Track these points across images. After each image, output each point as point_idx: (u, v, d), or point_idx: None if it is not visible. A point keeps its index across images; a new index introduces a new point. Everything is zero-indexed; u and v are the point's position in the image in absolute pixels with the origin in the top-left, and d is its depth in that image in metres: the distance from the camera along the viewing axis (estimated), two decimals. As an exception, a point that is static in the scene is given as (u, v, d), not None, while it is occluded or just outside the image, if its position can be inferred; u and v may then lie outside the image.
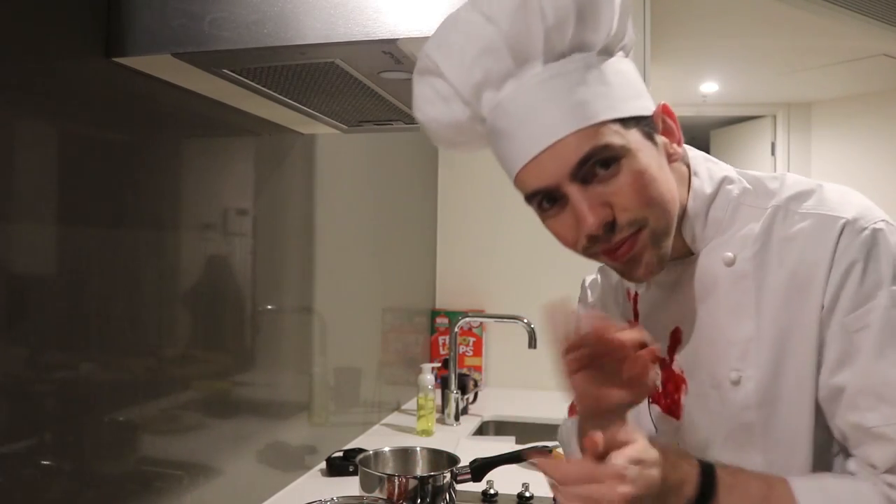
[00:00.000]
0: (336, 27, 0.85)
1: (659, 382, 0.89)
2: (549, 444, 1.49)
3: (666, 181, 0.77)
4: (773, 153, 5.07)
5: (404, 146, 2.33)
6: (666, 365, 0.88)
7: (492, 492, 1.41)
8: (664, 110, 0.79)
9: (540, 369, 2.59)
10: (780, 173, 0.84)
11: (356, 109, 1.21)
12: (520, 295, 2.61)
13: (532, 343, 2.06)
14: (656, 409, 0.91)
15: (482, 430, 2.18)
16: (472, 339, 2.59)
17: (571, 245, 0.79)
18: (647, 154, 0.75)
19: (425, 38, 0.83)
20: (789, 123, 5.06)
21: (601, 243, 0.76)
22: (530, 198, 0.78)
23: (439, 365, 2.21)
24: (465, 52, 0.73)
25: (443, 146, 0.86)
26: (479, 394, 2.36)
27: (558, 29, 0.72)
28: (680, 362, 0.86)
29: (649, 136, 0.76)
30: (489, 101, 0.76)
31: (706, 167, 0.84)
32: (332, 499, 1.10)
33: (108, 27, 0.91)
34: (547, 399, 2.43)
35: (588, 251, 0.79)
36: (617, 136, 0.73)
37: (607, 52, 0.75)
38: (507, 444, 1.86)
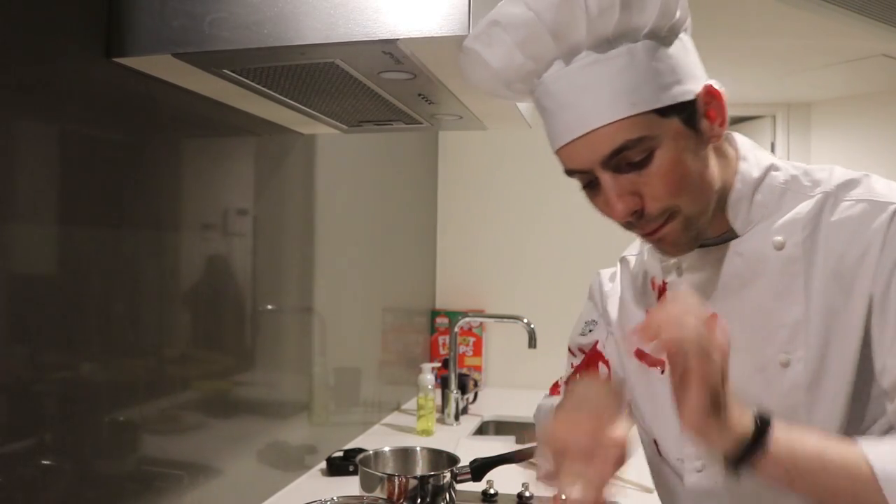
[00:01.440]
0: (336, 27, 0.85)
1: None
2: (549, 443, 1.49)
3: (701, 167, 0.77)
4: (772, 153, 5.07)
5: (404, 146, 2.33)
6: None
7: (492, 492, 1.41)
8: (709, 91, 0.78)
9: (540, 369, 2.59)
10: (828, 165, 0.84)
11: (356, 109, 1.21)
12: (520, 295, 2.61)
13: (532, 343, 2.06)
14: None
15: (482, 430, 2.18)
16: (472, 339, 2.59)
17: (609, 217, 0.81)
18: (683, 143, 0.75)
19: (425, 38, 0.83)
20: (789, 123, 5.06)
21: (634, 226, 0.79)
22: (569, 173, 0.80)
23: (439, 365, 2.21)
24: (508, 41, 0.75)
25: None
26: (479, 394, 2.36)
27: (602, 17, 0.71)
28: None
29: (689, 123, 0.76)
30: (535, 82, 0.78)
31: (754, 154, 0.84)
32: (332, 499, 1.10)
33: (108, 27, 0.91)
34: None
35: (625, 227, 0.81)
36: (653, 127, 0.73)
37: (655, 36, 0.74)
38: (507, 444, 1.86)
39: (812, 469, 0.72)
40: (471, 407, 2.27)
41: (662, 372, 0.91)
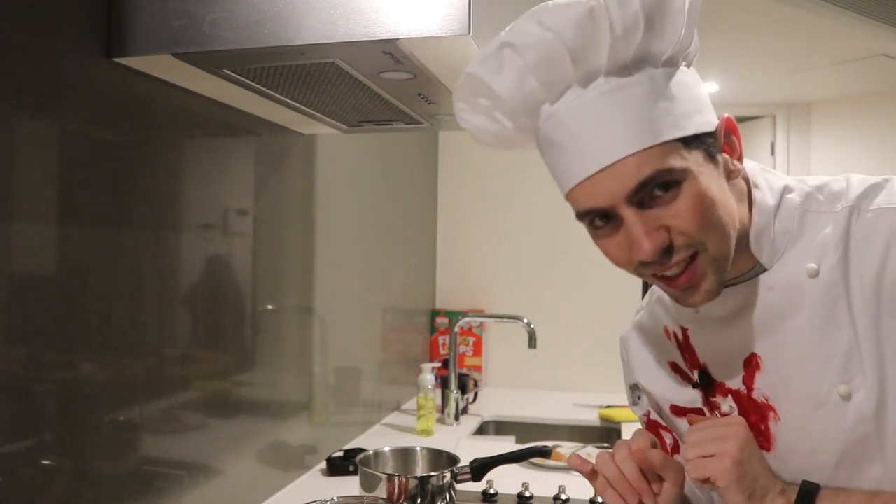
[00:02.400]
0: (336, 27, 0.85)
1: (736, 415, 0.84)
2: (549, 444, 1.49)
3: (726, 203, 0.73)
4: (772, 153, 5.07)
5: (404, 146, 2.33)
6: (742, 396, 0.82)
7: (492, 492, 1.41)
8: (728, 125, 0.75)
9: (540, 369, 2.60)
10: (843, 175, 0.80)
11: (356, 109, 1.21)
12: (520, 295, 2.61)
13: (532, 343, 2.06)
14: None
15: (482, 430, 2.18)
16: (472, 339, 2.59)
17: (622, 266, 0.75)
18: (708, 176, 0.71)
19: (425, 38, 0.83)
20: (789, 123, 5.06)
21: (654, 266, 0.73)
22: (582, 215, 0.75)
23: (439, 365, 2.21)
24: (520, 64, 0.70)
25: (487, 148, 0.83)
26: (479, 394, 2.36)
27: (625, 39, 0.68)
28: (763, 389, 0.79)
29: (711, 156, 0.72)
30: (544, 112, 0.73)
31: (764, 178, 0.80)
32: (332, 499, 1.10)
33: (108, 27, 0.91)
34: (547, 399, 2.44)
35: (639, 272, 0.75)
36: (679, 159, 0.69)
37: (672, 64, 0.71)
38: (507, 444, 1.86)
39: None
40: (471, 407, 2.27)
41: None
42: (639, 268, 0.74)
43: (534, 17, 0.68)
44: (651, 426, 0.96)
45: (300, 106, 1.19)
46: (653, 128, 0.68)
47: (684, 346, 0.88)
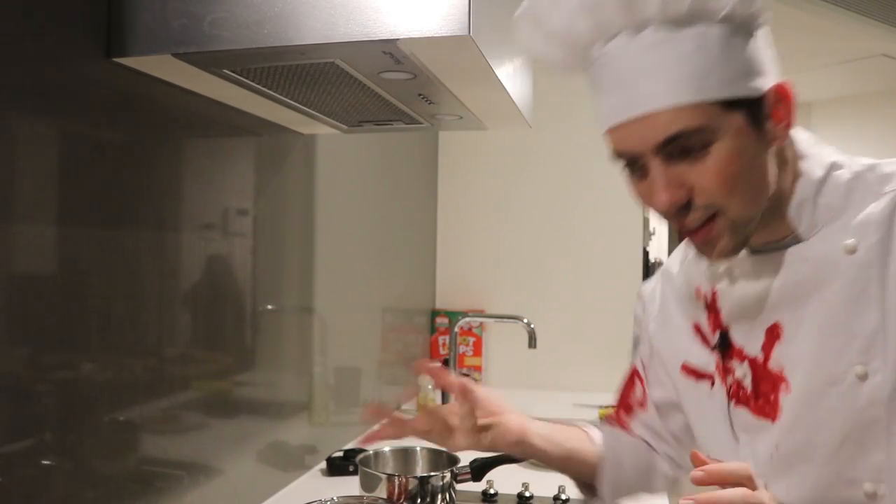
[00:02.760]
0: (336, 27, 0.85)
1: (748, 382, 0.83)
2: (549, 444, 1.49)
3: (758, 169, 0.73)
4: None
5: (404, 146, 2.33)
6: (758, 364, 0.81)
7: (492, 492, 1.41)
8: (779, 90, 0.73)
9: (540, 369, 2.60)
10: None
11: (356, 109, 1.21)
12: (520, 295, 2.61)
13: (532, 343, 2.06)
14: (742, 411, 0.84)
15: (482, 430, 2.18)
16: (472, 339, 2.59)
17: (651, 209, 0.77)
18: (744, 141, 0.71)
19: (425, 38, 0.83)
20: (789, 123, 5.06)
21: (676, 219, 0.74)
22: (615, 156, 0.76)
23: (439, 365, 2.20)
24: (574, 4, 0.71)
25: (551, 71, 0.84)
26: (479, 394, 2.36)
27: None
28: (779, 359, 0.79)
29: (753, 121, 0.71)
30: (595, 51, 0.73)
31: (815, 150, 0.79)
32: (332, 499, 1.10)
33: (108, 27, 0.91)
34: (547, 399, 2.44)
35: (666, 220, 0.77)
36: (714, 119, 0.69)
37: (730, 21, 0.69)
38: (507, 444, 1.86)
39: None
40: (471, 407, 2.26)
41: (712, 386, 0.88)
42: (664, 216, 0.76)
43: None
44: (631, 376, 1.02)
45: (300, 106, 1.19)
46: (694, 85, 0.68)
47: (711, 306, 0.87)
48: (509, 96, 1.07)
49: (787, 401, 0.78)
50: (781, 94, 0.73)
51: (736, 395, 0.84)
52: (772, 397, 0.80)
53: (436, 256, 2.73)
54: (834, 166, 0.78)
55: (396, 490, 1.20)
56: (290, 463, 1.52)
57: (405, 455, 1.36)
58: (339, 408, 1.80)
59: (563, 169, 2.57)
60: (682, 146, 0.70)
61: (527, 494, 1.40)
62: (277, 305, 1.45)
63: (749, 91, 0.71)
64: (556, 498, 1.40)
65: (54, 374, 0.86)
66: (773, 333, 0.80)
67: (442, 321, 2.62)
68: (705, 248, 0.77)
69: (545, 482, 1.48)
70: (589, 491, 1.05)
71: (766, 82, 0.72)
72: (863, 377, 0.73)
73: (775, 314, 0.79)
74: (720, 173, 0.70)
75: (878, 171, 0.77)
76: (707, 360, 0.89)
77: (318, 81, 1.03)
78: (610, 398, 2.28)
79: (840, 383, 0.75)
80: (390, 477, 1.22)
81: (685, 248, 0.95)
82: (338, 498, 1.11)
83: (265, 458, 1.40)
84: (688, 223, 0.74)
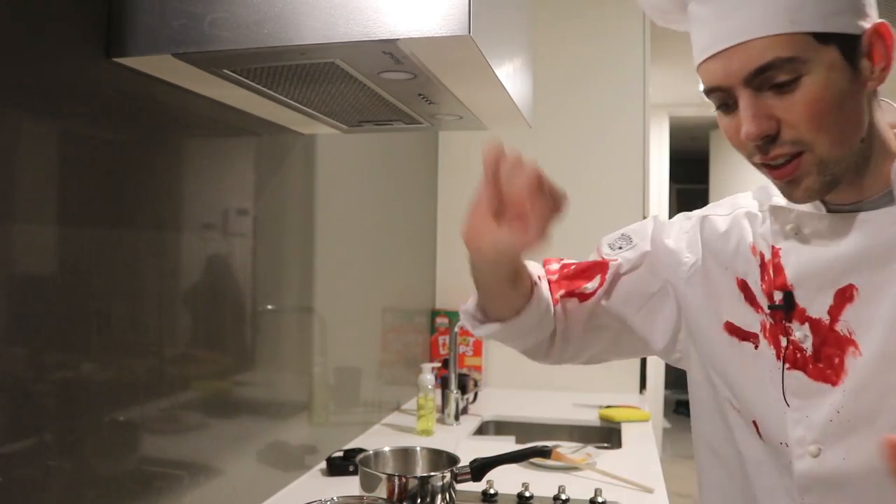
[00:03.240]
0: (336, 27, 0.85)
1: (809, 345, 0.80)
2: (549, 444, 1.49)
3: (852, 109, 0.72)
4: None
5: (404, 146, 2.33)
6: (823, 326, 0.79)
7: (492, 492, 1.41)
8: (879, 30, 0.72)
9: (540, 369, 2.59)
10: None
11: (356, 109, 1.21)
12: (520, 295, 2.61)
13: (532, 343, 2.05)
14: (798, 375, 0.81)
15: (482, 430, 2.18)
16: (471, 339, 2.59)
17: (737, 147, 0.76)
18: (837, 77, 0.70)
19: (425, 38, 0.83)
20: (789, 123, 5.05)
21: (760, 154, 0.74)
22: (707, 92, 0.76)
23: (439, 365, 2.21)
24: None
25: (656, 18, 0.86)
26: (479, 394, 2.36)
27: None
28: (849, 323, 0.76)
29: (848, 58, 0.70)
30: None
31: None
32: (332, 499, 1.10)
33: (108, 27, 0.91)
34: (547, 399, 2.44)
35: (751, 159, 0.76)
36: (807, 50, 0.69)
37: None
38: (507, 444, 1.86)
39: None
40: (471, 407, 2.27)
41: (756, 347, 0.85)
42: (749, 152, 0.75)
43: None
44: (596, 266, 0.99)
45: (300, 106, 1.19)
46: (789, 16, 0.68)
47: (769, 265, 0.84)
48: (509, 96, 1.07)
49: (856, 364, 0.76)
50: (881, 34, 0.72)
51: (793, 357, 0.81)
52: (836, 360, 0.77)
53: (436, 256, 2.73)
54: None
55: (396, 490, 1.20)
56: (290, 463, 1.52)
57: (405, 455, 1.36)
58: (339, 408, 1.80)
59: (563, 169, 2.56)
60: (772, 77, 0.70)
61: (527, 494, 1.40)
62: (277, 305, 1.45)
63: (844, 27, 0.70)
64: (556, 498, 1.41)
65: (54, 374, 0.86)
66: (844, 295, 0.77)
67: (442, 321, 2.62)
68: (790, 187, 0.75)
69: (545, 482, 1.48)
70: (481, 313, 0.96)
71: (865, 21, 0.71)
72: None
73: (851, 276, 0.76)
74: (809, 106, 0.70)
75: None
76: (752, 319, 0.86)
77: (318, 81, 1.03)
78: (610, 398, 2.29)
79: None
80: (390, 477, 1.22)
81: (732, 204, 0.93)
82: (338, 498, 1.11)
83: (265, 458, 1.40)
84: (772, 157, 0.73)
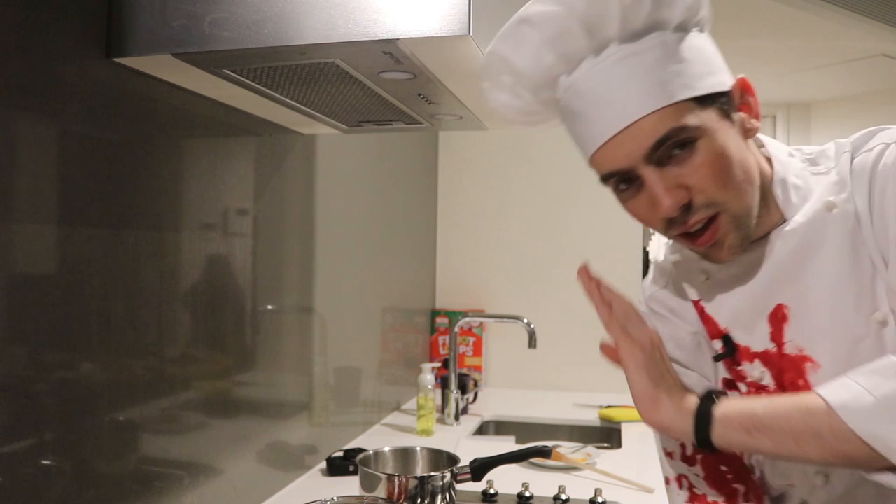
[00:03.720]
0: (336, 27, 0.85)
1: (769, 379, 0.82)
2: (549, 444, 1.49)
3: (744, 160, 0.75)
4: (772, 153, 5.07)
5: (404, 146, 2.33)
6: (772, 356, 0.81)
7: (492, 492, 1.41)
8: (742, 85, 0.77)
9: (540, 369, 2.60)
10: (830, 142, 0.83)
11: (356, 109, 1.21)
12: (520, 295, 2.61)
13: (532, 343, 2.06)
14: None
15: (482, 430, 2.18)
16: (472, 339, 2.59)
17: (651, 226, 0.78)
18: (724, 133, 0.74)
19: (425, 38, 0.83)
20: (789, 123, 5.06)
21: (678, 226, 0.75)
22: (606, 178, 0.77)
23: (439, 365, 2.21)
24: (537, 40, 0.73)
25: (515, 127, 0.87)
26: (479, 394, 2.36)
27: (634, 8, 0.71)
28: (795, 341, 0.79)
29: (726, 114, 0.75)
30: (562, 84, 0.76)
31: (771, 142, 0.84)
32: (332, 499, 1.10)
33: (108, 27, 0.91)
34: (547, 399, 2.44)
35: (667, 233, 0.78)
36: (693, 117, 0.72)
37: (683, 29, 0.74)
38: (507, 444, 1.86)
39: (769, 420, 0.71)
40: (471, 407, 2.27)
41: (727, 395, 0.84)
42: (665, 227, 0.77)
43: None
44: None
45: (300, 106, 1.19)
46: (666, 89, 0.71)
47: (703, 316, 0.87)
48: (509, 96, 1.07)
49: (820, 377, 0.77)
50: (745, 88, 0.77)
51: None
52: (800, 382, 0.79)
53: (436, 256, 2.73)
54: (790, 153, 0.83)
55: (396, 490, 1.20)
56: (290, 463, 1.52)
57: (405, 455, 1.36)
58: (339, 408, 1.80)
59: (563, 168, 2.57)
60: (670, 148, 0.72)
61: (527, 494, 1.40)
62: (277, 305, 1.45)
63: (716, 86, 0.74)
64: (556, 498, 1.41)
65: (54, 374, 0.86)
66: (777, 317, 0.80)
67: (442, 321, 2.62)
68: (713, 250, 0.77)
69: (545, 482, 1.48)
70: None
71: (728, 78, 0.77)
72: (883, 322, 0.74)
73: (775, 297, 0.79)
74: (711, 167, 0.72)
75: (824, 154, 0.82)
76: (711, 370, 0.88)
77: (318, 81, 1.03)
78: (610, 398, 2.29)
79: (867, 337, 0.75)
80: (390, 477, 1.22)
81: (659, 272, 0.94)
82: (338, 498, 1.11)
83: (265, 458, 1.40)
84: (691, 225, 0.75)
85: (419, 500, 1.20)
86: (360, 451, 1.47)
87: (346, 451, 1.61)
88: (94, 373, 0.93)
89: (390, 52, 0.88)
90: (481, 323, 2.59)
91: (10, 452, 0.80)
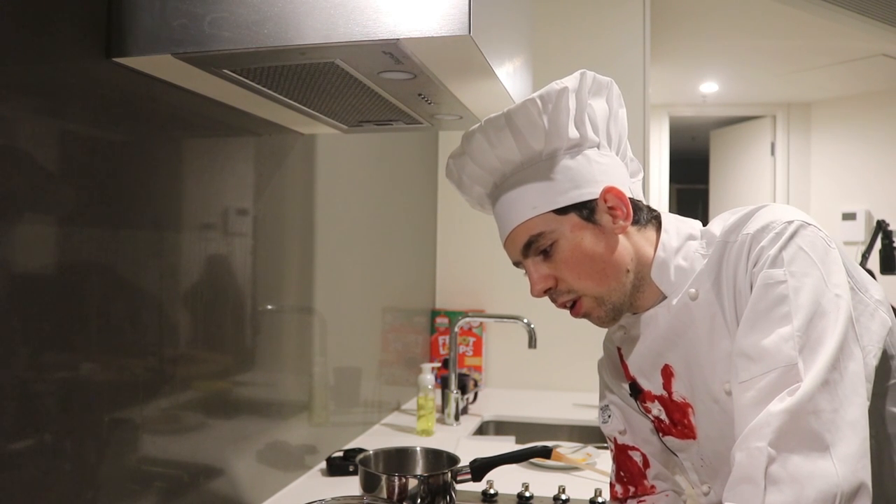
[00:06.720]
0: (336, 27, 0.85)
1: (664, 416, 1.02)
2: (549, 444, 1.49)
3: (605, 253, 0.94)
4: (772, 153, 5.07)
5: (404, 146, 2.33)
6: (666, 399, 1.01)
7: (492, 492, 1.41)
8: (608, 191, 0.93)
9: (540, 369, 2.60)
10: (729, 212, 0.96)
11: (356, 109, 1.21)
12: (520, 295, 2.60)
13: (532, 343, 2.06)
14: (669, 439, 1.03)
15: (482, 430, 2.18)
16: (472, 339, 2.59)
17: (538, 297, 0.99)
18: (581, 235, 0.93)
19: (425, 38, 0.83)
20: (789, 123, 5.06)
21: (553, 302, 0.98)
22: (515, 263, 1.00)
23: (439, 365, 2.21)
24: (479, 158, 0.98)
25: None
26: (479, 394, 2.36)
27: (501, 149, 0.95)
28: (680, 392, 0.99)
29: (588, 218, 0.93)
30: (492, 194, 1.02)
31: (675, 226, 0.98)
32: (333, 499, 1.10)
33: (108, 27, 0.91)
34: (547, 399, 2.44)
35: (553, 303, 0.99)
36: (551, 223, 0.93)
37: (552, 156, 0.94)
38: (507, 444, 1.86)
39: None
40: (471, 407, 2.27)
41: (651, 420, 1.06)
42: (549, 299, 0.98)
43: (483, 131, 0.95)
44: (620, 449, 1.11)
45: (300, 106, 1.19)
46: (531, 204, 0.94)
47: (622, 363, 1.07)
48: (510, 96, 1.07)
49: (697, 421, 0.98)
50: (614, 195, 0.94)
51: (660, 427, 1.04)
52: (686, 421, 0.99)
53: (436, 256, 2.73)
54: (690, 237, 0.97)
55: (396, 490, 1.20)
56: (290, 463, 1.52)
57: (405, 455, 1.36)
58: (339, 408, 1.80)
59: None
60: (537, 248, 0.95)
61: (527, 494, 1.40)
62: (277, 305, 1.45)
63: (575, 198, 0.93)
64: (556, 498, 1.41)
65: (54, 374, 0.86)
66: (666, 373, 0.99)
67: (442, 321, 2.62)
68: (588, 319, 0.99)
69: (545, 482, 1.48)
70: None
71: (596, 189, 0.94)
72: (729, 393, 0.89)
73: (663, 358, 0.99)
74: (567, 263, 0.94)
75: (710, 234, 0.95)
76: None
77: (318, 81, 1.03)
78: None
79: (720, 400, 0.92)
80: (390, 477, 1.22)
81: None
82: (338, 498, 1.11)
83: (265, 458, 1.40)
84: (561, 305, 0.98)
85: (419, 500, 1.20)
86: (360, 451, 1.47)
87: (346, 451, 1.61)
88: (94, 373, 0.93)
89: (390, 52, 0.88)
90: (481, 323, 2.59)
91: (10, 452, 0.80)
